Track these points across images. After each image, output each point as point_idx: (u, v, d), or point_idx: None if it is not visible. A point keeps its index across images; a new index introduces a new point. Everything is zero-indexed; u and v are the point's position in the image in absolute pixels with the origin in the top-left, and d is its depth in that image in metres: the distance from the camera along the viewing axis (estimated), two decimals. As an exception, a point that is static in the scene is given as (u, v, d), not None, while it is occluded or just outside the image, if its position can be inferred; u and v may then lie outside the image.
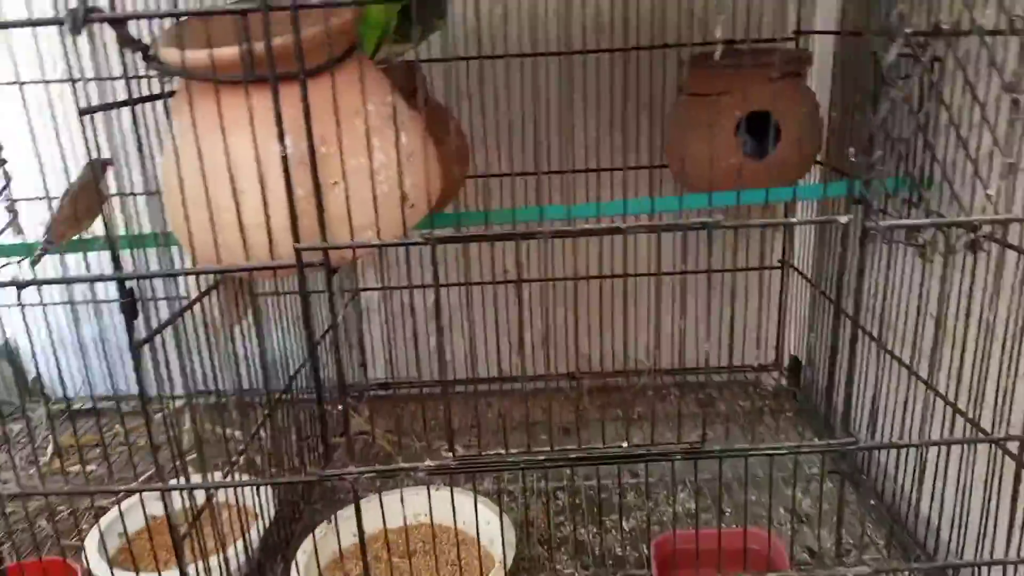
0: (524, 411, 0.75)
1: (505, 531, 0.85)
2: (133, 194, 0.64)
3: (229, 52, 0.56)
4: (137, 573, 0.80)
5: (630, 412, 1.24)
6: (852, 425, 0.89)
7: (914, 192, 0.70)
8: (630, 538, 0.96)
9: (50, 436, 1.15)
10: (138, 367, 0.66)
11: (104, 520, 0.95)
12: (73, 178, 0.81)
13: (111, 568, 0.80)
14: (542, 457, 0.67)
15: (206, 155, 0.59)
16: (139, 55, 0.59)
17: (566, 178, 0.67)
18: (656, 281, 0.60)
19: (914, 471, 0.77)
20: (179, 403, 1.10)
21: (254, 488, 0.93)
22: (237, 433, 0.97)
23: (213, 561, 0.79)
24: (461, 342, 1.24)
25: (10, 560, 0.87)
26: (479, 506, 0.90)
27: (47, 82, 0.59)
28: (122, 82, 0.58)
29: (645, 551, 0.90)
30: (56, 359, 0.74)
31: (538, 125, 0.58)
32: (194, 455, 1.07)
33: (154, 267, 0.74)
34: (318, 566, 0.82)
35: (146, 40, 0.61)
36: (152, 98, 0.64)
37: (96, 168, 0.58)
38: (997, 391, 0.64)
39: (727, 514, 0.97)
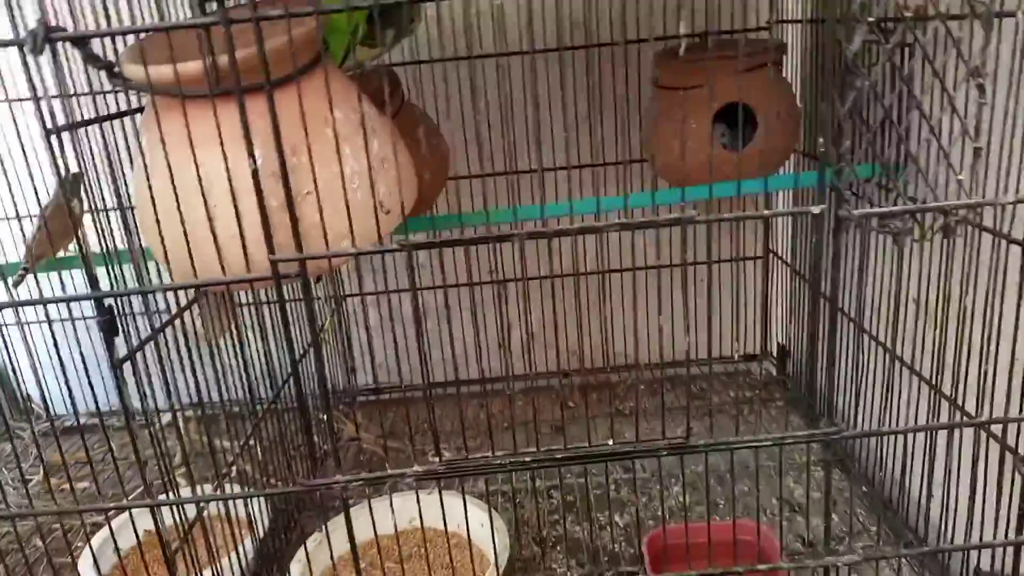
0: (512, 411, 0.75)
1: (498, 532, 0.85)
2: (106, 210, 0.64)
3: (193, 66, 0.55)
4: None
5: (620, 408, 1.24)
6: (842, 411, 0.89)
7: (887, 178, 0.70)
8: (625, 534, 0.96)
9: (39, 455, 1.14)
10: (120, 385, 0.65)
11: (96, 539, 0.95)
12: (44, 197, 0.80)
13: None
14: (528, 458, 0.67)
15: (177, 170, 0.58)
16: (104, 72, 0.58)
17: (538, 177, 0.67)
18: (653, 275, 0.60)
19: (902, 456, 0.77)
20: (166, 417, 1.10)
21: (245, 499, 0.93)
22: (227, 444, 0.97)
23: (208, 574, 0.79)
24: (448, 343, 1.24)
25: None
26: (473, 508, 0.90)
27: (10, 101, 0.59)
28: (89, 97, 0.58)
29: (639, 547, 0.90)
30: (37, 378, 0.73)
31: (508, 125, 0.57)
32: (183, 469, 1.07)
33: (130, 280, 0.73)
34: (311, 576, 0.82)
35: (111, 56, 0.60)
36: (120, 115, 0.64)
37: (66, 188, 0.58)
38: (980, 374, 0.64)
39: (720, 506, 0.97)
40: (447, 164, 1.02)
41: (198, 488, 0.95)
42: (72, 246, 0.87)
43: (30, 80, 0.52)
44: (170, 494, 0.70)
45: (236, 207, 0.59)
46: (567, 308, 1.18)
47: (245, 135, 0.54)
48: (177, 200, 0.59)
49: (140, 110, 0.69)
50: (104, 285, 0.63)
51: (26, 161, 0.62)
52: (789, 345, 1.27)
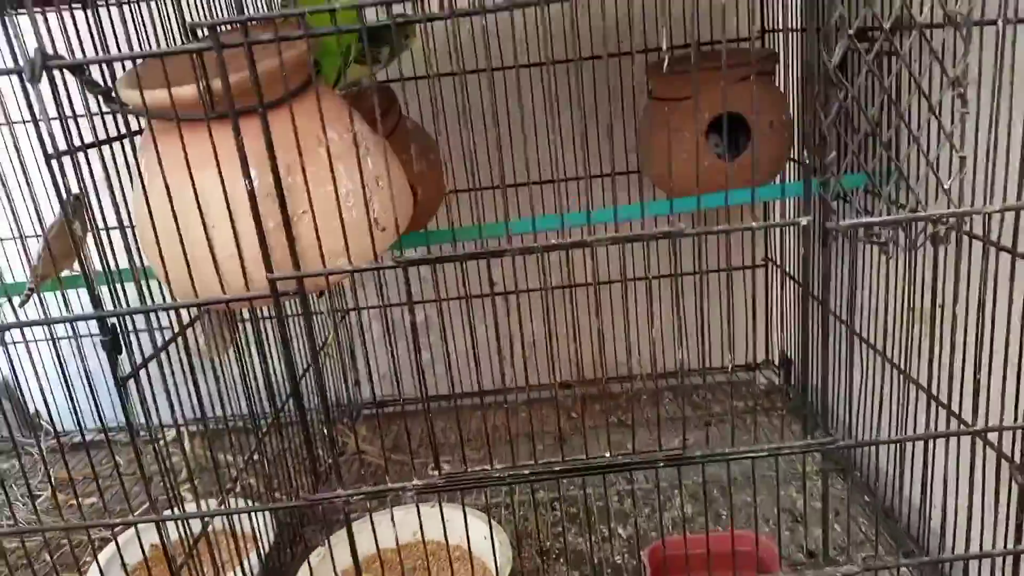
0: (510, 423, 0.76)
1: (500, 545, 0.85)
2: (107, 228, 0.65)
3: (188, 91, 0.57)
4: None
5: (622, 418, 1.24)
6: (845, 421, 0.89)
7: (876, 187, 0.71)
8: (628, 546, 0.96)
9: (47, 471, 1.16)
10: (124, 402, 0.67)
11: (103, 554, 0.96)
12: (46, 217, 0.81)
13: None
14: (528, 471, 0.67)
15: (175, 192, 0.59)
16: (101, 97, 0.59)
17: (530, 190, 0.68)
18: (649, 285, 0.60)
19: (900, 464, 0.77)
20: (170, 433, 1.11)
21: (250, 513, 0.93)
22: (231, 459, 0.98)
23: (214, 588, 0.80)
24: (449, 356, 1.24)
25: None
26: (476, 521, 0.91)
27: (11, 124, 0.60)
28: (88, 117, 0.59)
29: (641, 558, 0.91)
30: (44, 395, 0.75)
31: (497, 139, 0.58)
32: (188, 484, 1.08)
33: (133, 297, 0.74)
34: (314, 591, 0.83)
35: (108, 81, 0.62)
36: (119, 137, 0.65)
37: (67, 210, 0.59)
38: (976, 382, 0.64)
39: (723, 517, 0.97)
40: (444, 179, 1.03)
41: (203, 503, 0.96)
42: (75, 266, 0.88)
43: (30, 107, 0.53)
44: (175, 509, 0.71)
45: (234, 227, 0.60)
46: (560, 320, 1.19)
47: (241, 157, 0.55)
48: (176, 221, 0.60)
49: (139, 132, 0.70)
50: (107, 304, 0.64)
51: (28, 181, 0.63)
52: (791, 353, 1.27)
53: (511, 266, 0.59)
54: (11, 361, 0.84)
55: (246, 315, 0.95)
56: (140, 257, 0.71)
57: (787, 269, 1.20)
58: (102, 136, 0.67)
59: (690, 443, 0.64)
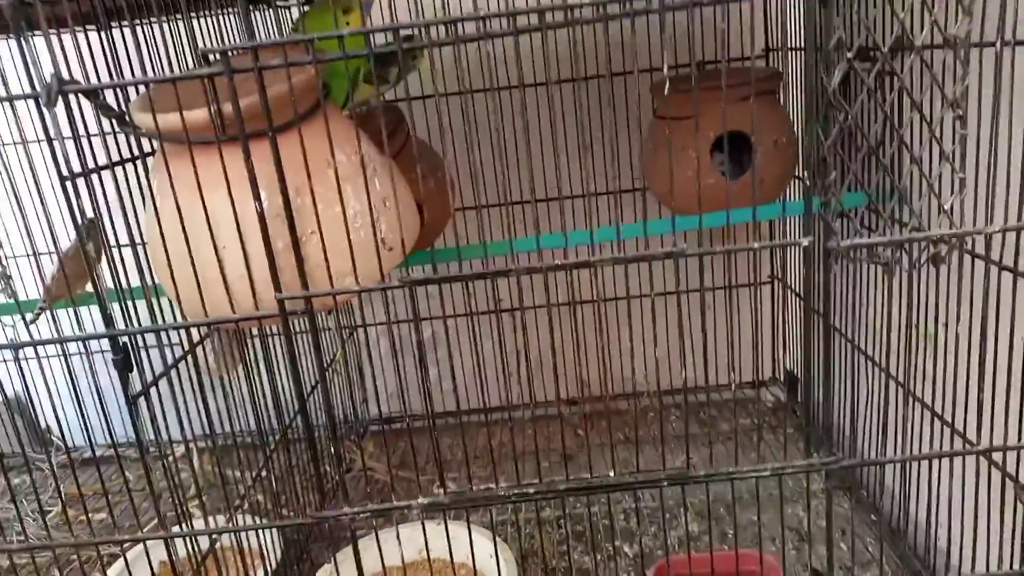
0: (514, 440, 0.76)
1: (506, 563, 0.85)
2: (119, 246, 0.66)
3: (199, 115, 0.58)
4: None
5: (624, 435, 1.24)
6: (850, 438, 0.89)
7: (878, 206, 0.71)
8: (634, 565, 0.96)
9: (57, 486, 1.17)
10: (134, 420, 0.67)
11: (112, 570, 0.97)
12: (60, 235, 0.83)
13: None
14: (532, 490, 0.68)
15: (186, 213, 0.61)
16: (115, 120, 0.61)
17: (535, 207, 0.69)
18: (649, 303, 0.61)
19: (903, 483, 0.77)
20: (180, 448, 1.12)
21: (257, 530, 0.94)
22: (239, 475, 0.99)
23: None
24: (456, 373, 1.25)
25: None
26: (482, 539, 0.91)
27: (26, 143, 0.61)
28: (101, 138, 0.60)
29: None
30: (55, 411, 0.76)
31: (500, 158, 0.59)
32: (197, 500, 1.09)
33: (143, 313, 0.75)
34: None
35: (121, 103, 0.63)
36: (132, 159, 0.67)
37: (81, 235, 0.60)
38: (980, 399, 0.64)
39: (728, 535, 0.97)
40: (452, 197, 1.04)
41: (211, 519, 0.97)
42: (88, 286, 0.90)
43: (46, 130, 0.55)
44: (183, 526, 0.72)
45: (244, 248, 0.61)
46: (565, 336, 1.20)
47: (251, 179, 0.56)
48: (187, 242, 0.61)
49: (151, 154, 0.72)
50: (119, 323, 0.65)
51: (42, 200, 0.64)
52: (798, 371, 1.27)
53: (516, 283, 0.60)
54: (24, 377, 0.85)
55: (255, 332, 0.97)
56: (151, 276, 0.73)
57: (793, 286, 1.21)
58: (115, 157, 0.69)
59: (694, 462, 0.64)
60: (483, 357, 0.71)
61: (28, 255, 1.09)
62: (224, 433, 0.76)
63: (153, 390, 0.68)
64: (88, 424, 0.82)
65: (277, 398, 0.77)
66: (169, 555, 0.69)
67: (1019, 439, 0.63)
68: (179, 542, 0.70)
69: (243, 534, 0.97)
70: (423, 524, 0.80)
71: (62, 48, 0.57)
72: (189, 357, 0.74)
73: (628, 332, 0.64)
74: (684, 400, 0.64)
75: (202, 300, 0.65)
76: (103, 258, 0.65)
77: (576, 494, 0.68)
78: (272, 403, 0.79)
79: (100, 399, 0.77)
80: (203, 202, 0.60)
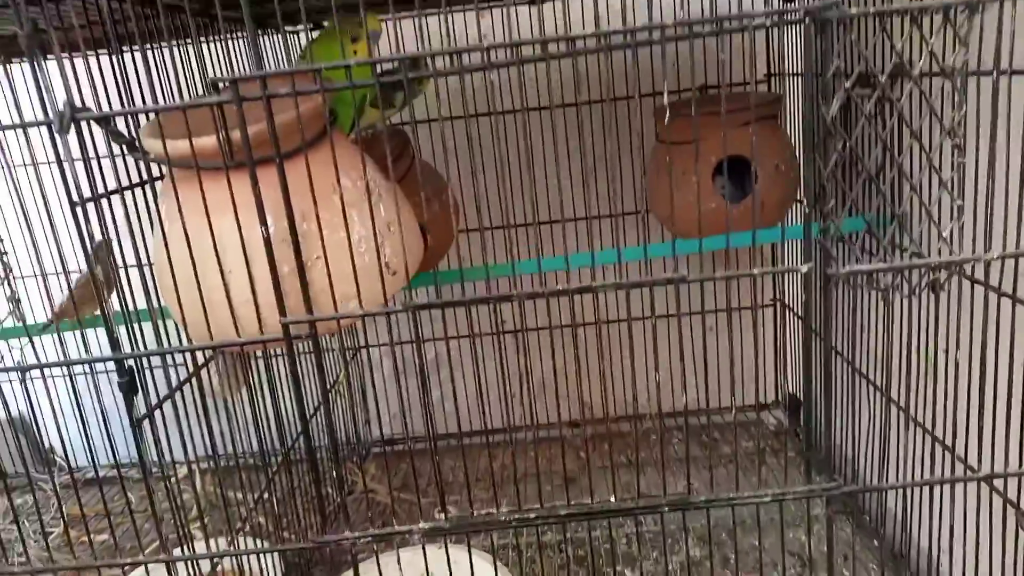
0: (521, 462, 0.76)
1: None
2: (126, 267, 0.67)
3: (208, 141, 0.59)
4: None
5: (627, 457, 1.24)
6: (852, 461, 0.89)
7: (878, 231, 0.72)
8: (637, 589, 0.96)
9: (60, 507, 1.17)
10: (138, 443, 0.68)
11: (112, 593, 0.96)
12: (69, 258, 0.84)
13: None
14: (533, 515, 0.68)
15: (193, 238, 0.61)
16: (125, 146, 0.62)
17: (538, 229, 0.70)
18: (652, 326, 0.61)
19: (914, 509, 0.77)
20: (182, 469, 1.12)
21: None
22: (241, 496, 0.99)
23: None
24: (459, 395, 1.25)
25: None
26: (483, 564, 0.90)
27: (36, 164, 0.63)
28: (110, 159, 0.61)
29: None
30: (59, 431, 0.76)
31: (503, 181, 0.60)
32: (199, 523, 1.08)
33: (148, 333, 0.76)
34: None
35: (131, 129, 0.64)
36: (141, 184, 0.68)
37: (90, 262, 0.61)
38: (980, 425, 0.64)
39: (730, 560, 0.96)
40: (456, 219, 1.05)
41: (212, 541, 0.97)
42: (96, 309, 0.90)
43: (58, 156, 0.56)
44: (185, 548, 0.72)
45: (249, 272, 0.62)
46: (568, 358, 1.20)
47: (258, 205, 0.57)
48: (194, 266, 0.62)
49: (159, 178, 0.73)
50: (125, 346, 0.66)
51: (51, 221, 0.65)
52: (799, 394, 1.27)
53: (518, 306, 0.60)
54: (28, 396, 0.85)
55: (259, 354, 0.97)
56: (158, 298, 0.73)
57: (795, 308, 1.21)
58: (124, 181, 0.70)
59: (695, 487, 0.65)
60: (485, 378, 0.72)
61: (36, 275, 1.10)
62: (226, 454, 0.77)
63: (157, 411, 0.68)
64: (91, 444, 0.82)
65: (280, 420, 0.77)
66: (171, 580, 0.69)
67: (1020, 466, 0.63)
68: (180, 565, 0.70)
69: (244, 557, 0.97)
70: (424, 549, 0.80)
71: (74, 72, 0.58)
72: (193, 379, 0.75)
73: (630, 354, 0.64)
74: (685, 423, 0.64)
75: (207, 323, 0.66)
76: (113, 282, 0.66)
77: (577, 519, 0.69)
78: (275, 425, 0.79)
79: (104, 419, 0.78)
80: (210, 227, 0.61)
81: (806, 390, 0.65)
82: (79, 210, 0.59)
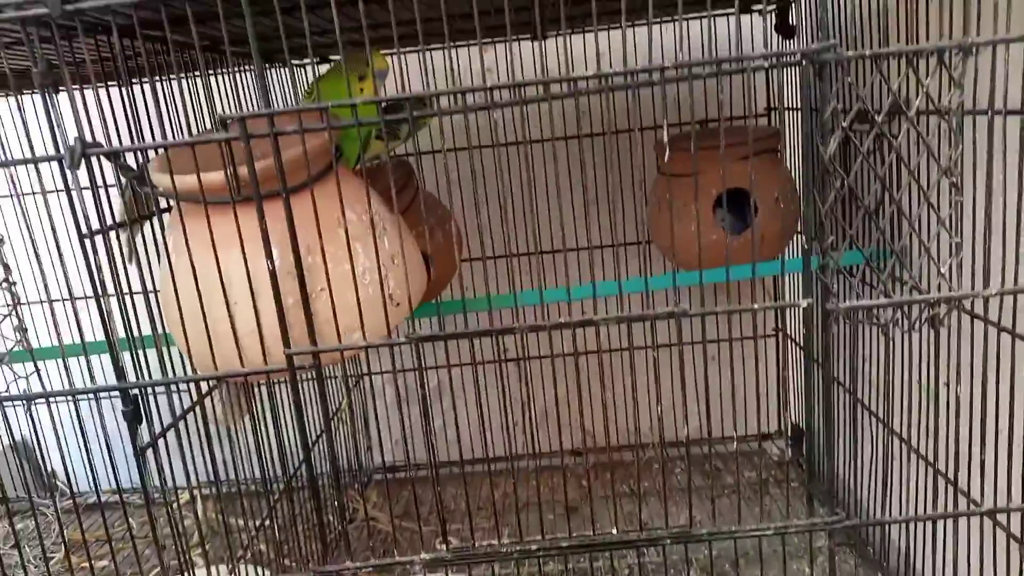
0: (523, 491, 0.76)
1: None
2: (131, 293, 0.68)
3: (216, 176, 0.60)
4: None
5: (629, 487, 1.24)
6: (855, 494, 0.89)
7: (877, 266, 0.72)
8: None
9: (62, 532, 1.17)
10: (141, 471, 0.68)
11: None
12: (75, 287, 0.84)
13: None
14: (535, 546, 0.68)
15: (200, 270, 0.62)
16: (134, 180, 0.63)
17: (541, 259, 0.71)
18: (654, 357, 0.62)
19: (917, 543, 0.76)
20: (184, 495, 1.12)
21: (258, 582, 0.93)
22: (242, 523, 0.99)
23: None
24: (463, 422, 1.25)
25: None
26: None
27: (45, 193, 0.63)
28: (118, 189, 0.62)
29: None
30: (62, 456, 0.76)
31: (505, 212, 0.61)
32: (200, 550, 1.08)
33: (153, 358, 0.77)
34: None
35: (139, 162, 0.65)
36: (148, 216, 0.68)
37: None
38: (982, 459, 0.64)
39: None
40: (459, 250, 1.06)
41: (213, 568, 0.96)
42: (100, 335, 0.91)
43: (68, 193, 0.57)
44: (186, 575, 0.72)
45: (255, 304, 0.62)
46: (570, 386, 1.20)
47: (264, 239, 0.58)
48: (200, 297, 0.63)
49: (167, 210, 0.74)
50: (130, 375, 0.66)
51: (58, 248, 0.66)
52: (802, 425, 1.27)
53: (520, 336, 0.61)
54: (33, 422, 0.86)
55: (262, 382, 0.97)
56: (163, 327, 0.74)
57: (796, 338, 1.21)
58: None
59: (698, 519, 0.65)
60: (487, 406, 0.72)
61: (42, 302, 1.11)
62: (228, 481, 0.77)
63: (160, 439, 0.69)
64: (94, 469, 0.83)
65: (282, 447, 0.78)
66: (172, 609, 0.69)
67: (1023, 500, 0.63)
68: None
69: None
70: (426, 578, 0.79)
71: (84, 106, 0.59)
72: (196, 408, 0.75)
73: (631, 383, 0.65)
74: (687, 452, 0.64)
75: (212, 354, 0.67)
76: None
77: (579, 551, 0.69)
78: (277, 452, 0.80)
79: (107, 444, 0.78)
80: (217, 260, 0.61)
81: (808, 421, 0.65)
82: (87, 242, 0.60)
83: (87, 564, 1.19)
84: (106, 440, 0.77)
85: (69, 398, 1.19)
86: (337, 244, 0.64)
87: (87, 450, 0.80)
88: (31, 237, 0.72)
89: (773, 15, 1.05)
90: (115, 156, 0.57)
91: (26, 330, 0.74)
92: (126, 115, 0.67)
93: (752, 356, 1.27)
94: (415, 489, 1.27)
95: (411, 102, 0.53)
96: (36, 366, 0.78)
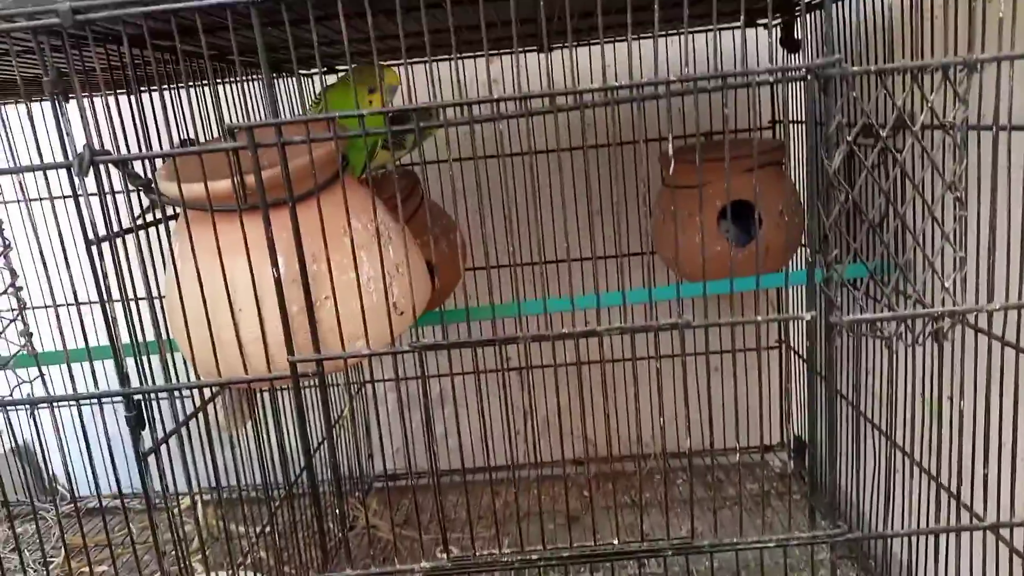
0: (524, 500, 0.76)
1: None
2: (136, 299, 0.68)
3: (223, 185, 0.60)
4: None
5: (630, 498, 1.23)
6: (857, 506, 0.89)
7: (882, 278, 0.73)
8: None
9: (62, 536, 1.17)
10: (143, 477, 0.68)
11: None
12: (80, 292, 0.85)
13: None
14: (535, 556, 0.68)
15: (205, 277, 0.63)
16: (142, 188, 0.63)
17: (544, 268, 0.71)
18: (657, 368, 0.62)
19: (920, 557, 0.76)
20: (185, 500, 1.12)
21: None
22: (243, 530, 0.99)
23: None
24: (465, 430, 1.25)
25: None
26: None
27: (52, 199, 0.64)
28: (124, 196, 0.62)
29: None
30: (64, 460, 0.77)
31: (510, 221, 0.61)
32: (200, 556, 1.08)
33: (156, 365, 0.77)
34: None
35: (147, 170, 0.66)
36: (156, 222, 0.69)
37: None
38: (985, 474, 0.64)
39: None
40: (463, 259, 1.06)
41: (213, 574, 0.96)
42: (104, 340, 0.91)
43: (76, 200, 0.57)
44: (185, 584, 0.72)
45: (259, 311, 0.63)
46: (573, 395, 1.20)
47: (269, 247, 0.58)
48: (205, 304, 0.63)
49: (173, 217, 0.74)
50: (133, 380, 0.67)
51: (64, 252, 0.67)
52: (805, 437, 1.26)
53: (523, 345, 0.61)
54: (36, 425, 0.86)
55: (264, 389, 0.98)
56: (167, 333, 0.74)
57: (799, 351, 1.21)
58: (138, 222, 0.71)
59: (700, 530, 0.65)
60: (489, 415, 0.72)
61: (47, 307, 1.11)
62: (230, 487, 0.77)
63: (162, 444, 0.69)
64: (95, 473, 0.83)
65: (284, 454, 0.78)
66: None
67: (1026, 515, 0.63)
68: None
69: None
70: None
71: (93, 113, 0.60)
72: (199, 414, 0.76)
73: (634, 393, 0.65)
74: (689, 463, 0.64)
75: (216, 360, 0.67)
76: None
77: (580, 561, 0.69)
78: (279, 458, 0.80)
79: (109, 449, 0.78)
80: (222, 267, 0.62)
81: (810, 433, 0.65)
82: (94, 249, 0.61)
83: (87, 568, 1.19)
84: (108, 445, 0.77)
85: (72, 403, 1.20)
86: (342, 252, 0.65)
87: (89, 454, 0.80)
88: (38, 242, 0.73)
89: (778, 29, 1.05)
90: (123, 164, 0.58)
91: (31, 334, 0.74)
92: (134, 122, 0.67)
93: (755, 368, 1.27)
94: (416, 497, 1.27)
95: (417, 113, 0.53)
96: (40, 370, 0.78)
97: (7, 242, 0.75)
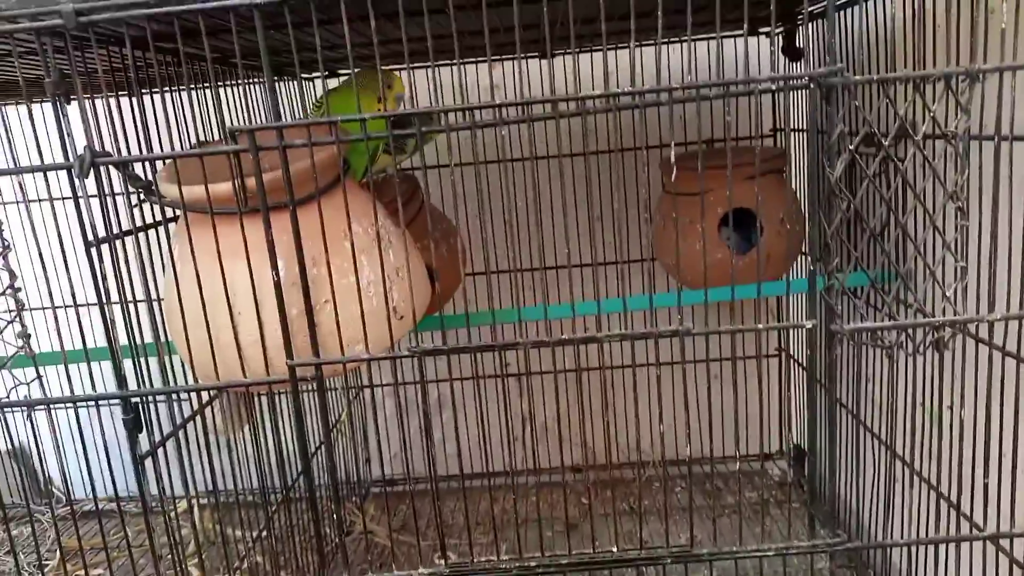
0: (522, 507, 0.76)
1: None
2: (135, 302, 0.68)
3: (223, 188, 0.60)
4: None
5: (629, 505, 1.23)
6: (857, 515, 0.88)
7: (883, 287, 0.72)
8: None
9: (58, 539, 1.17)
10: (139, 480, 0.68)
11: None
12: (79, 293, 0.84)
13: None
14: (534, 563, 0.67)
15: (205, 280, 0.62)
16: (142, 190, 0.63)
17: (544, 274, 0.71)
18: (657, 375, 0.62)
19: (920, 567, 0.76)
20: (182, 503, 1.11)
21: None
22: (239, 534, 0.98)
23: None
24: (463, 436, 1.25)
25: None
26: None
27: (52, 200, 0.64)
28: (124, 197, 0.62)
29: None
30: (60, 462, 0.76)
31: (511, 227, 0.61)
32: (197, 560, 1.08)
33: (154, 367, 0.77)
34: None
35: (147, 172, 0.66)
36: (155, 224, 0.69)
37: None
38: (985, 484, 0.64)
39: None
40: (463, 264, 1.06)
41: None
42: (102, 342, 0.91)
43: (76, 201, 0.57)
44: (182, 589, 0.71)
45: (259, 314, 0.63)
46: (572, 402, 1.20)
47: (270, 250, 0.58)
48: (204, 307, 0.63)
49: (173, 219, 0.74)
50: (131, 383, 0.66)
51: (63, 253, 0.66)
52: (804, 445, 1.26)
53: (523, 351, 0.61)
54: (32, 427, 0.85)
55: (262, 393, 0.97)
56: (165, 336, 0.74)
57: (799, 359, 1.21)
58: (138, 221, 0.71)
59: (699, 538, 0.64)
60: (488, 421, 0.72)
61: (45, 308, 1.11)
62: (227, 491, 0.77)
63: (160, 448, 0.68)
64: (91, 476, 0.82)
65: (281, 458, 0.78)
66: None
67: (1026, 526, 0.63)
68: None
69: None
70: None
71: (94, 115, 0.60)
72: (197, 417, 0.75)
73: (634, 400, 0.65)
74: (689, 471, 0.64)
75: (215, 363, 0.67)
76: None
77: (578, 569, 0.68)
78: (276, 462, 0.80)
79: (106, 452, 0.78)
80: (222, 269, 0.62)
81: (810, 442, 0.65)
82: (93, 250, 0.61)
83: (83, 572, 1.19)
84: (105, 447, 0.77)
85: (70, 405, 1.19)
86: (343, 256, 0.65)
87: (86, 457, 0.80)
88: (36, 244, 0.73)
89: (781, 38, 1.05)
90: (124, 165, 0.58)
91: (29, 336, 0.74)
92: (135, 124, 0.67)
93: (755, 376, 1.27)
94: (414, 502, 1.27)
95: (419, 117, 0.53)
96: (38, 372, 0.78)
97: (6, 243, 0.75)
